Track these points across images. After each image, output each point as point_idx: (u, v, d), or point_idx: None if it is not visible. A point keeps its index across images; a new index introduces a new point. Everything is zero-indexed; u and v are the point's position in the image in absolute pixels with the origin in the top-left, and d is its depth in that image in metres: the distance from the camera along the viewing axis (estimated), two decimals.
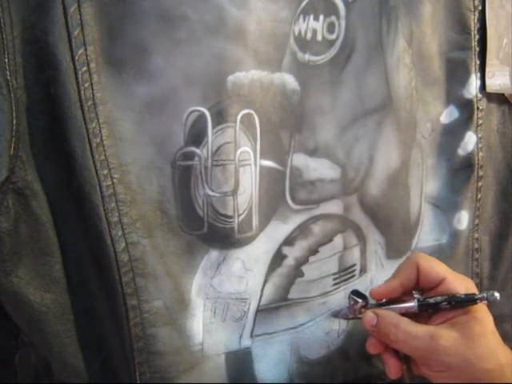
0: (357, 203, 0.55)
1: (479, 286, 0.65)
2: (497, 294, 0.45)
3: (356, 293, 0.50)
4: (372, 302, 0.50)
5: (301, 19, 0.49)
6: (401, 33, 0.54)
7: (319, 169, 0.52)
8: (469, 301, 0.45)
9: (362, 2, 0.51)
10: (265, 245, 0.52)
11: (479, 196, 0.62)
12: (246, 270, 0.51)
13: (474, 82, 0.59)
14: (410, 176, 0.58)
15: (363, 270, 0.57)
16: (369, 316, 0.48)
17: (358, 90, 0.53)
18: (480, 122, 0.61)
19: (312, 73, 0.50)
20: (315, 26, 0.50)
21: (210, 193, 0.48)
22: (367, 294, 0.50)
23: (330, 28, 0.50)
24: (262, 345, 0.54)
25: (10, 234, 0.43)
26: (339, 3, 0.50)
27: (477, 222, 0.63)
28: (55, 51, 0.41)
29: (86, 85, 0.42)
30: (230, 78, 0.46)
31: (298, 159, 0.51)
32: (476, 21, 0.59)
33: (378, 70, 0.53)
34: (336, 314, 0.53)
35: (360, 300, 0.49)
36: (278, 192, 0.51)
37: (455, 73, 0.59)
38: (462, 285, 0.47)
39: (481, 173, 0.62)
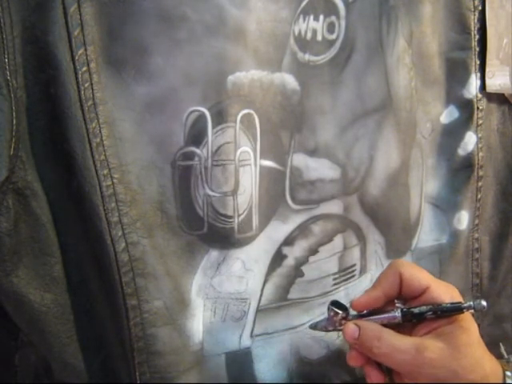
0: (357, 203, 0.55)
1: (479, 286, 0.65)
2: (484, 303, 0.43)
3: (336, 303, 0.47)
4: (353, 312, 0.47)
5: (301, 19, 0.49)
6: (401, 33, 0.54)
7: (319, 169, 0.52)
8: (455, 310, 0.44)
9: (362, 1, 0.51)
10: (265, 245, 0.52)
11: (479, 196, 0.62)
12: (246, 270, 0.51)
13: (474, 82, 0.59)
14: (410, 176, 0.58)
15: (363, 270, 0.57)
16: (350, 328, 0.45)
17: (358, 89, 0.53)
18: (480, 121, 0.61)
19: (312, 73, 0.50)
20: (315, 25, 0.50)
21: (210, 193, 0.48)
22: (360, 296, 0.49)
23: (330, 28, 0.50)
24: (262, 345, 0.54)
25: (9, 234, 0.43)
26: (339, 3, 0.50)
27: (477, 222, 0.63)
28: (55, 51, 0.41)
29: (86, 85, 0.42)
30: (230, 77, 0.46)
31: (298, 159, 0.51)
32: (476, 21, 0.59)
33: (378, 69, 0.53)
34: (314, 326, 0.49)
35: (340, 311, 0.47)
36: (278, 192, 0.51)
37: (455, 73, 0.59)
38: (447, 293, 0.45)
39: (481, 173, 0.62)
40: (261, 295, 0.53)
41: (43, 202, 0.45)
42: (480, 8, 0.58)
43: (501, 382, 0.44)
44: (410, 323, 0.45)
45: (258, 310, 0.53)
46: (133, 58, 0.43)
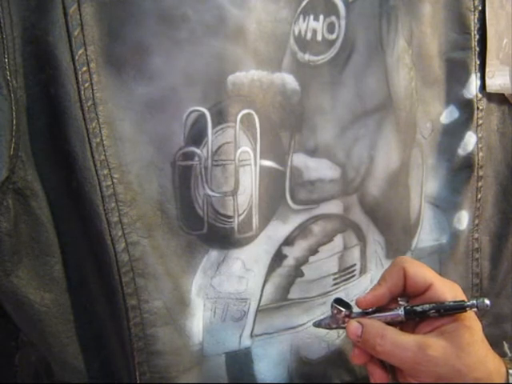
0: (357, 203, 0.55)
1: (479, 286, 0.65)
2: (487, 302, 0.43)
3: (339, 301, 0.47)
4: (356, 310, 0.47)
5: (301, 19, 0.49)
6: (401, 33, 0.54)
7: (319, 169, 0.52)
8: (458, 308, 0.43)
9: (362, 1, 0.51)
10: (265, 245, 0.52)
11: (479, 196, 0.62)
12: (246, 270, 0.51)
13: (473, 82, 0.59)
14: (410, 176, 0.58)
15: (363, 270, 0.57)
16: (353, 326, 0.45)
17: (357, 89, 0.53)
18: (480, 121, 0.61)
19: (312, 73, 0.50)
20: (315, 25, 0.50)
21: (210, 193, 0.48)
22: (366, 293, 0.49)
23: (330, 28, 0.50)
24: (262, 345, 0.54)
25: (9, 233, 0.43)
26: (339, 3, 0.50)
27: (477, 222, 0.63)
28: (55, 51, 0.41)
29: (86, 85, 0.42)
30: (230, 77, 0.46)
31: (298, 159, 0.51)
32: (476, 21, 0.59)
33: (378, 69, 0.53)
34: (318, 324, 0.49)
35: (343, 309, 0.47)
36: (277, 192, 0.51)
37: (455, 73, 0.59)
38: (450, 291, 0.45)
39: (481, 173, 0.62)
40: (261, 295, 0.53)
41: (43, 202, 0.45)
42: (480, 8, 0.58)
43: (504, 380, 0.44)
44: (413, 321, 0.45)
45: (258, 310, 0.53)
46: (133, 58, 0.43)
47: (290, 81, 0.50)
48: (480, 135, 0.61)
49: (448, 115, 0.60)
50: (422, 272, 0.46)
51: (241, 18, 0.45)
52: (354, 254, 0.57)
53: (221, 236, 0.49)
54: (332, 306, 0.47)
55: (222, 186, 0.48)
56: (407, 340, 0.43)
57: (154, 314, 0.48)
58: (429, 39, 0.57)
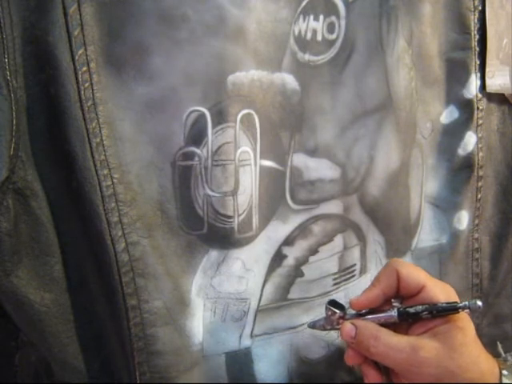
0: (357, 203, 0.55)
1: (479, 286, 0.65)
2: (479, 303, 0.43)
3: (333, 303, 0.48)
4: (350, 312, 0.48)
5: (301, 19, 0.49)
6: (401, 33, 0.54)
7: (319, 169, 0.52)
8: (451, 310, 0.44)
9: (362, 1, 0.51)
10: (265, 245, 0.52)
11: (479, 196, 0.62)
12: (246, 270, 0.51)
13: (473, 82, 0.59)
14: (410, 176, 0.58)
15: (363, 270, 0.57)
16: (347, 328, 0.46)
17: (358, 89, 0.53)
18: (480, 121, 0.61)
19: (312, 73, 0.50)
20: (315, 25, 0.50)
21: (210, 193, 0.48)
22: (359, 295, 0.49)
23: (330, 28, 0.50)
24: (262, 345, 0.54)
25: (9, 233, 0.43)
26: (339, 3, 0.50)
27: (477, 222, 0.63)
28: (55, 51, 0.41)
29: (86, 85, 0.42)
30: (230, 77, 0.46)
31: (298, 159, 0.51)
32: (476, 21, 0.59)
33: (378, 70, 0.53)
34: (313, 325, 0.50)
35: (338, 311, 0.47)
36: (277, 192, 0.51)
37: (455, 73, 0.59)
38: (443, 292, 0.45)
39: (481, 173, 0.62)
40: (261, 295, 0.53)
41: (43, 202, 0.45)
42: (480, 8, 0.58)
43: (497, 381, 0.44)
44: (406, 322, 0.46)
45: (258, 310, 0.53)
46: (133, 58, 0.43)
47: (290, 81, 0.50)
48: (480, 135, 0.61)
49: (448, 115, 0.60)
50: (415, 274, 0.46)
51: (241, 18, 0.45)
52: (354, 254, 0.57)
53: (221, 236, 0.49)
54: (326, 307, 0.48)
55: (222, 186, 0.48)
56: (400, 341, 0.44)
57: (154, 314, 0.48)
58: (429, 39, 0.57)
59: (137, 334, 0.47)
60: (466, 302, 0.43)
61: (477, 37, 0.59)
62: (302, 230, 0.53)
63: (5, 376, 0.57)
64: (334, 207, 0.54)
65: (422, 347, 0.43)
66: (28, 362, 0.56)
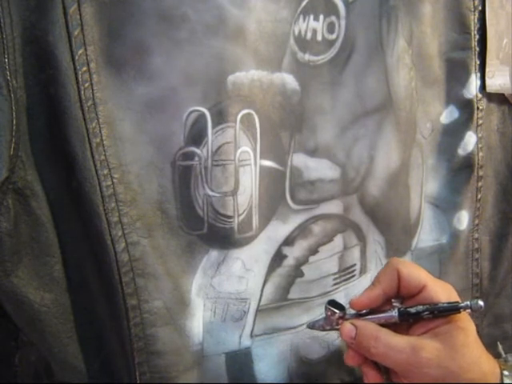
0: (357, 203, 0.55)
1: (479, 286, 0.65)
2: (481, 303, 0.43)
3: (333, 303, 0.47)
4: (350, 312, 0.47)
5: (301, 19, 0.49)
6: (401, 33, 0.54)
7: (319, 169, 0.52)
8: (452, 310, 0.43)
9: (362, 2, 0.51)
10: (265, 245, 0.52)
11: (479, 196, 0.62)
12: (246, 270, 0.51)
13: (473, 82, 0.59)
14: (410, 176, 0.58)
15: (363, 270, 0.57)
16: (347, 328, 0.45)
17: (358, 90, 0.53)
18: (480, 121, 0.61)
19: (312, 73, 0.50)
20: (315, 25, 0.50)
21: (210, 193, 0.48)
22: (360, 295, 0.49)
23: (330, 28, 0.50)
24: (262, 345, 0.54)
25: (9, 233, 0.43)
26: (339, 3, 0.50)
27: (477, 222, 0.63)
28: (55, 51, 0.41)
29: (86, 85, 0.42)
30: (230, 77, 0.46)
31: (298, 159, 0.51)
32: (476, 21, 0.59)
33: (378, 70, 0.53)
34: (312, 326, 0.49)
35: (337, 311, 0.46)
36: (277, 192, 0.51)
37: (455, 73, 0.59)
38: (444, 292, 0.45)
39: (481, 173, 0.62)
40: (261, 295, 0.53)
41: (43, 202, 0.45)
42: (480, 8, 0.58)
43: (498, 381, 0.44)
44: (407, 323, 0.45)
45: (258, 310, 0.53)
46: (133, 58, 0.43)
47: (289, 81, 0.50)
48: (480, 135, 0.61)
49: (448, 115, 0.60)
50: (416, 273, 0.46)
51: (241, 18, 0.45)
52: (354, 254, 0.57)
53: (221, 236, 0.49)
54: (326, 307, 0.47)
55: (221, 186, 0.48)
56: (401, 342, 0.43)
57: (154, 314, 0.48)
58: (429, 39, 0.57)
59: (137, 334, 0.47)
60: (468, 302, 0.43)
61: (477, 37, 0.59)
62: (301, 230, 0.53)
63: (5, 376, 0.57)
64: (333, 207, 0.54)
65: (423, 348, 0.43)
66: (28, 362, 0.56)
